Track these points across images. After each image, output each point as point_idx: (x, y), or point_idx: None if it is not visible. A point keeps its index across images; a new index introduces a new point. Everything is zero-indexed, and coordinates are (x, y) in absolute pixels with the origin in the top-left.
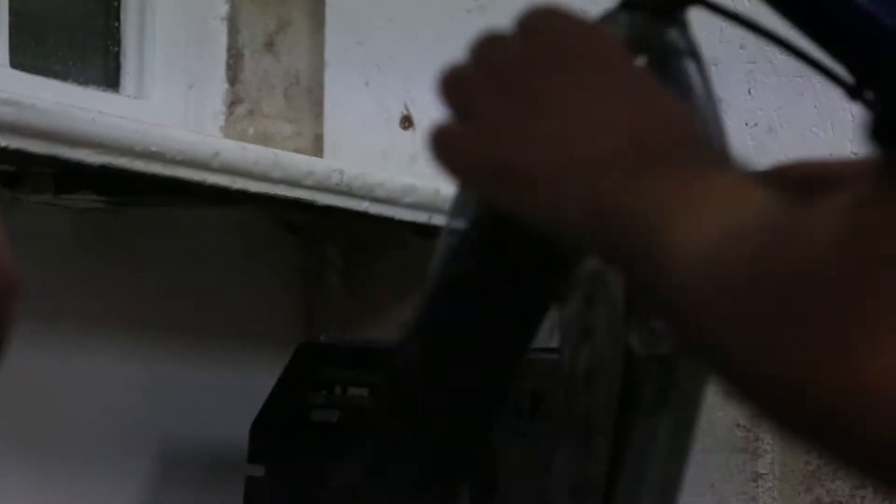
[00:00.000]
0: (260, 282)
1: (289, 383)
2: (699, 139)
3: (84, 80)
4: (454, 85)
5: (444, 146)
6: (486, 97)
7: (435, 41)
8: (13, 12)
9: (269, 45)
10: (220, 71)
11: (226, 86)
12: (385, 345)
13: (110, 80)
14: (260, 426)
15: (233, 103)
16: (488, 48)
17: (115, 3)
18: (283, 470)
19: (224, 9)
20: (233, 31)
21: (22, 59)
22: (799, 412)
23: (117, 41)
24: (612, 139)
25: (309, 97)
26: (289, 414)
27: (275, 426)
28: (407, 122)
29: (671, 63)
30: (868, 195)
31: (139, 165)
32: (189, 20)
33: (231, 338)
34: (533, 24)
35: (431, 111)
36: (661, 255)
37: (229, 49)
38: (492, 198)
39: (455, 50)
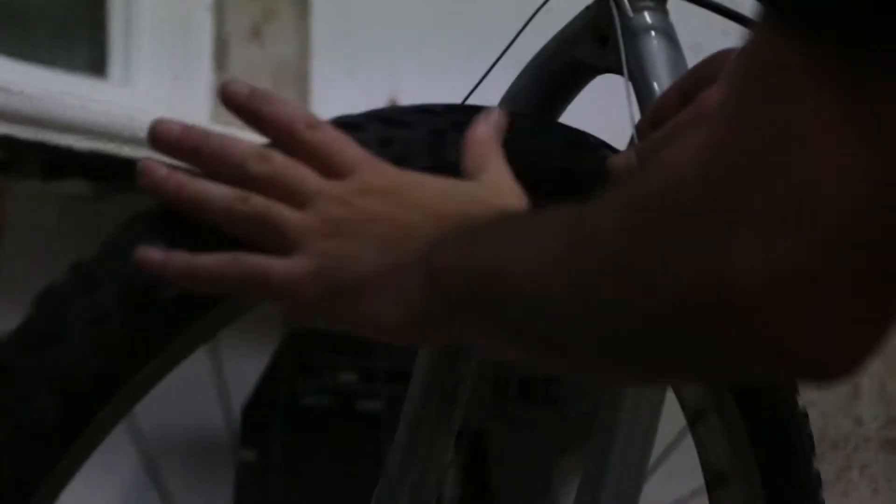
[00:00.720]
0: None
1: (278, 368)
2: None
3: (71, 67)
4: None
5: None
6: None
7: (421, 29)
8: (1, 0)
9: (256, 34)
10: (207, 59)
11: (212, 74)
12: None
13: (97, 67)
14: (251, 411)
15: None
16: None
17: None
18: (274, 454)
19: None
20: (219, 19)
21: (9, 46)
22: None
23: (104, 28)
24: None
25: (295, 85)
26: (279, 399)
27: (265, 411)
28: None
29: (638, 40)
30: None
31: (127, 151)
32: (175, 8)
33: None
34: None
35: (417, 98)
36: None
37: (216, 37)
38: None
39: (441, 36)
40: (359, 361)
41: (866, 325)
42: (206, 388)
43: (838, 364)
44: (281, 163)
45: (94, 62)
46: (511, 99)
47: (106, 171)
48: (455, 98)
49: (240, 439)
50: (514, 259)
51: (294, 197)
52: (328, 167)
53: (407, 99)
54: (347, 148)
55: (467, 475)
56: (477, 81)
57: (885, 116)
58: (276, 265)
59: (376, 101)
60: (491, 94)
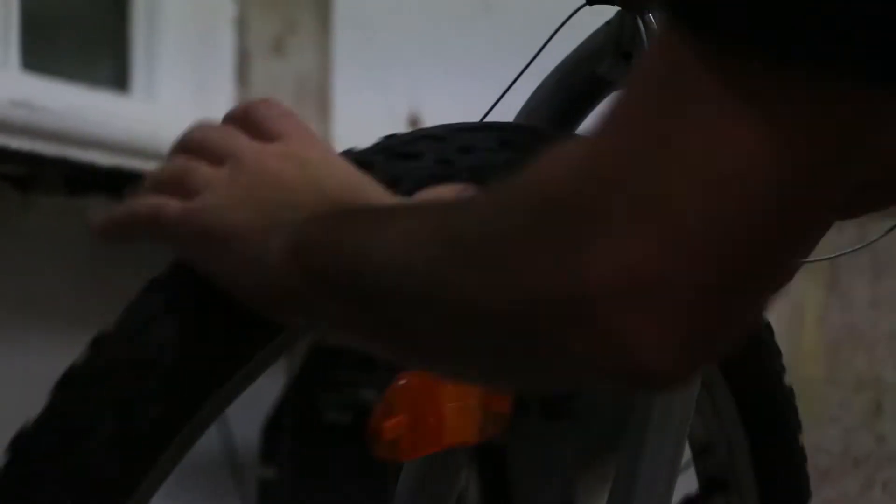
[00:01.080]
0: None
1: (300, 385)
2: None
3: (94, 82)
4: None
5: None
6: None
7: (441, 41)
8: (24, 15)
9: (278, 47)
10: (229, 73)
11: (235, 87)
12: None
13: (120, 82)
14: (272, 428)
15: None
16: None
17: (125, 6)
18: (295, 471)
19: (232, 11)
20: (241, 32)
21: (33, 61)
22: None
23: (127, 44)
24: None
25: (317, 98)
26: (300, 415)
27: (287, 428)
28: (414, 121)
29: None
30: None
31: (150, 167)
32: (198, 22)
33: None
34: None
35: (438, 110)
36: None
37: (238, 51)
38: (196, 260)
39: (461, 50)
40: (380, 377)
41: (700, 334)
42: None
43: (663, 371)
44: (213, 128)
45: (117, 77)
46: (529, 112)
47: (129, 187)
48: (477, 112)
49: (260, 455)
50: (378, 243)
51: (216, 156)
52: (261, 132)
53: (428, 112)
54: (284, 118)
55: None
56: (499, 96)
57: (754, 121)
58: (167, 205)
59: (397, 114)
60: (514, 107)
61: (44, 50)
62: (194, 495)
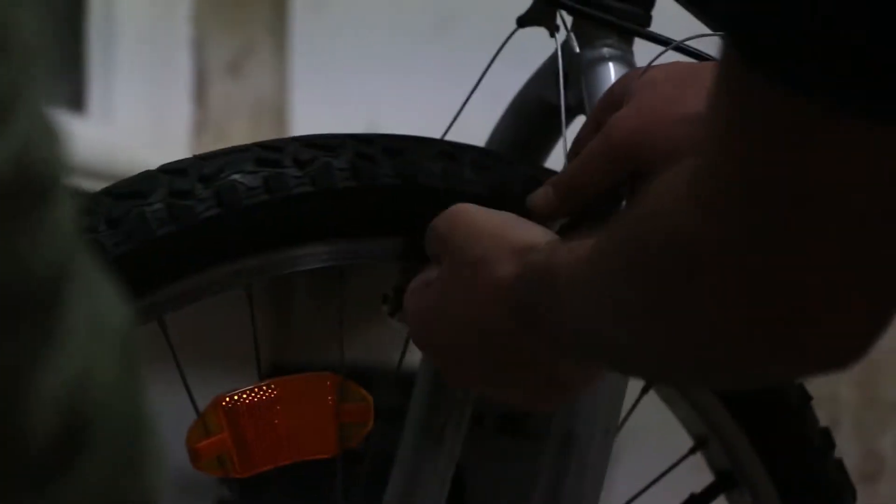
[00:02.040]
0: (229, 303)
1: None
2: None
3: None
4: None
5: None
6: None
7: (400, 61)
8: None
9: (235, 68)
10: (186, 93)
11: (191, 108)
12: (359, 369)
13: (76, 102)
14: None
15: (199, 125)
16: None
17: (80, 26)
18: (253, 491)
19: (189, 32)
20: (198, 53)
21: None
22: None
23: (83, 64)
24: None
25: (275, 118)
26: None
27: None
28: None
29: (598, 76)
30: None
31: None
32: (154, 43)
33: (200, 359)
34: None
35: (396, 128)
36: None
37: (195, 72)
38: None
39: (418, 68)
40: None
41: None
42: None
43: (858, 360)
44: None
45: (73, 98)
46: (494, 138)
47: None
48: (435, 129)
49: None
50: (581, 316)
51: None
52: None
53: (386, 130)
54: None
55: None
56: (454, 116)
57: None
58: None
59: None
60: (468, 125)
61: None
62: None
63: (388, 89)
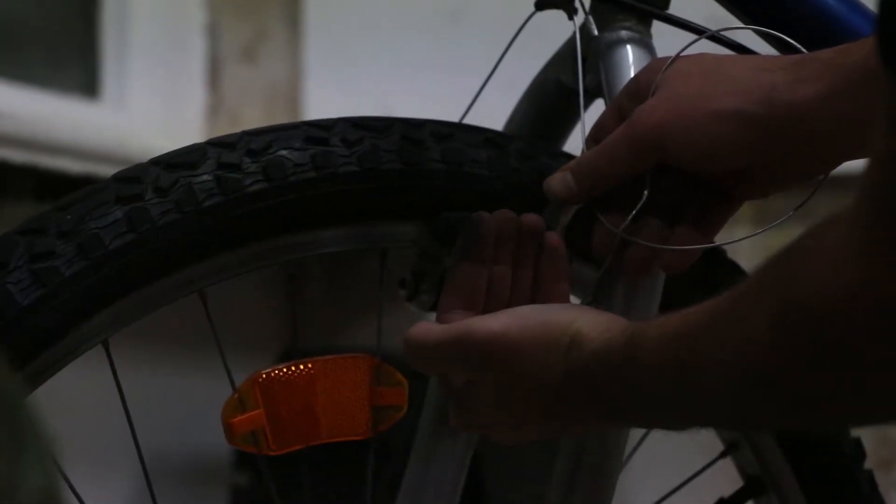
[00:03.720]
0: (243, 290)
1: None
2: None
3: (63, 88)
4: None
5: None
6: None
7: (413, 47)
8: None
9: (249, 54)
10: (200, 79)
11: (205, 94)
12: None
13: (90, 88)
14: None
15: (212, 112)
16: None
17: (94, 13)
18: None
19: (203, 17)
20: (212, 39)
21: (1, 68)
22: None
23: (96, 50)
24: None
25: (288, 104)
26: None
27: None
28: None
29: (615, 58)
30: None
31: None
32: (168, 29)
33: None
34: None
35: (409, 114)
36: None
37: (209, 58)
38: None
39: (431, 55)
40: None
41: None
42: (197, 410)
43: None
44: None
45: (87, 84)
46: (511, 123)
47: None
48: (447, 115)
49: (233, 462)
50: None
51: None
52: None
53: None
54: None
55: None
56: (469, 102)
57: None
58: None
59: None
60: (482, 112)
61: (12, 57)
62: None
63: (402, 75)
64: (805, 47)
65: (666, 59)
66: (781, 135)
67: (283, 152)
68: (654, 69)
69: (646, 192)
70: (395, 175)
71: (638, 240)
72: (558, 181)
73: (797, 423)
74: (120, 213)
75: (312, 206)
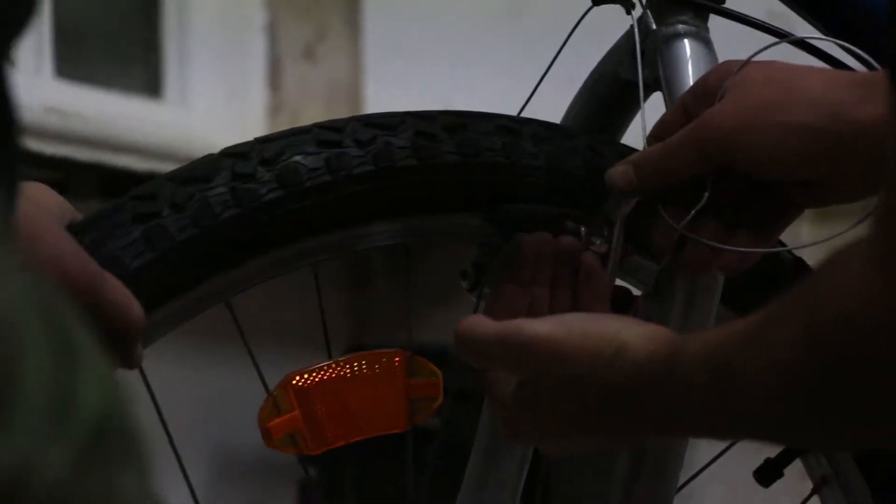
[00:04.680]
0: (308, 285)
1: None
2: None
3: (127, 88)
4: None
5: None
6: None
7: (472, 45)
8: (57, 24)
9: (309, 53)
10: (261, 78)
11: (267, 93)
12: (429, 347)
13: (153, 88)
14: None
15: (274, 110)
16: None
17: (156, 14)
18: (335, 471)
19: (263, 18)
20: (272, 39)
21: (66, 68)
22: None
23: (159, 50)
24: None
25: (349, 102)
26: None
27: None
28: None
29: (673, 53)
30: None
31: None
32: (229, 28)
33: (279, 341)
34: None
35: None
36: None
37: (269, 57)
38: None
39: (491, 52)
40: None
41: None
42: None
43: None
44: None
45: (150, 83)
46: (569, 116)
47: None
48: (510, 112)
49: (300, 456)
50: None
51: None
52: None
53: None
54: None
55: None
56: (526, 98)
57: None
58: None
59: None
60: (541, 108)
61: (77, 57)
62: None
63: (461, 72)
64: (877, 60)
65: (736, 62)
66: (846, 151)
67: (297, 158)
68: (724, 72)
69: (706, 194)
70: (411, 171)
71: (698, 237)
72: (620, 174)
73: (852, 438)
74: (138, 233)
75: (330, 210)
